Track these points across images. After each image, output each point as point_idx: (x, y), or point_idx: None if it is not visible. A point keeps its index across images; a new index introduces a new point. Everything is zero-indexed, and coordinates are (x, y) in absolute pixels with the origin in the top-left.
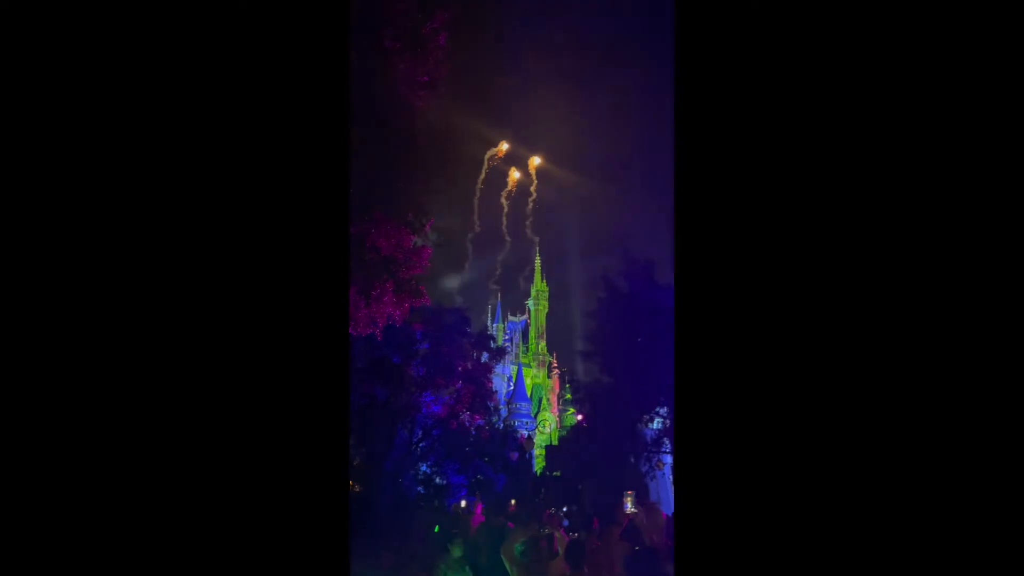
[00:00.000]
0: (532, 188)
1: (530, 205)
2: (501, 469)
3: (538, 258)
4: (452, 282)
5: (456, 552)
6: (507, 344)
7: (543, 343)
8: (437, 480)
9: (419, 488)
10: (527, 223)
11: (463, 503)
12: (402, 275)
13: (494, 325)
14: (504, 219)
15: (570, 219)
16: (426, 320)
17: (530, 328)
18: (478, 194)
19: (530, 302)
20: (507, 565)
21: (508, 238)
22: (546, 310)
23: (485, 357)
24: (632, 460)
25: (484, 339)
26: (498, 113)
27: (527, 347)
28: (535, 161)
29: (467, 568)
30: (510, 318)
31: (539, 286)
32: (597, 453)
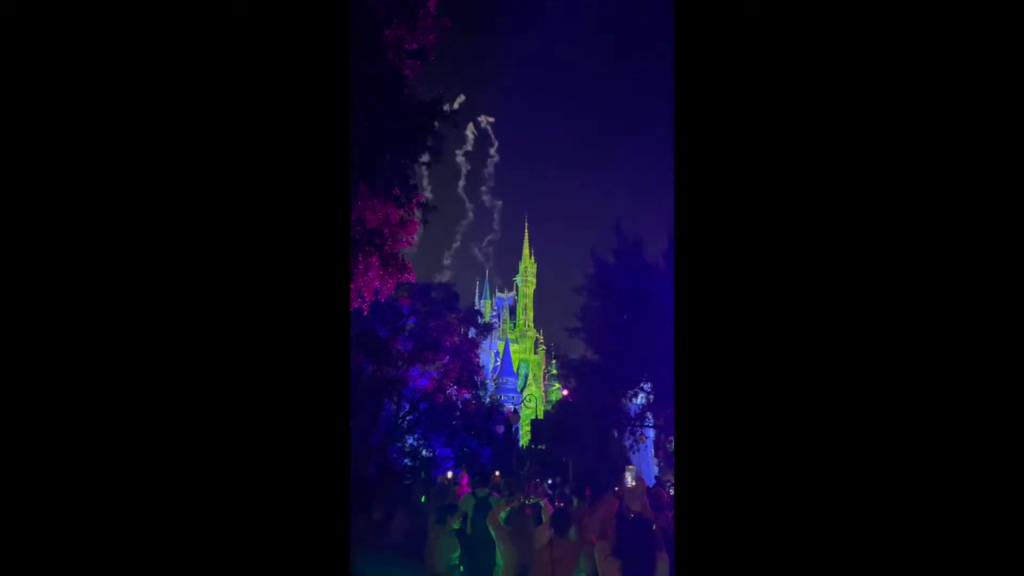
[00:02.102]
0: (493, 150)
1: (489, 168)
2: (487, 442)
3: (527, 234)
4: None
5: (456, 525)
6: (494, 320)
7: (530, 319)
8: (424, 452)
9: (406, 460)
10: (483, 189)
11: (449, 474)
12: (388, 249)
13: (481, 301)
14: (463, 181)
15: (547, 186)
16: (413, 295)
17: (517, 304)
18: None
19: (518, 279)
20: (493, 533)
21: (469, 204)
22: (534, 287)
23: (472, 333)
24: (616, 434)
25: (471, 315)
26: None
27: (514, 323)
28: (487, 120)
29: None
30: (497, 294)
31: (527, 263)
32: (581, 427)
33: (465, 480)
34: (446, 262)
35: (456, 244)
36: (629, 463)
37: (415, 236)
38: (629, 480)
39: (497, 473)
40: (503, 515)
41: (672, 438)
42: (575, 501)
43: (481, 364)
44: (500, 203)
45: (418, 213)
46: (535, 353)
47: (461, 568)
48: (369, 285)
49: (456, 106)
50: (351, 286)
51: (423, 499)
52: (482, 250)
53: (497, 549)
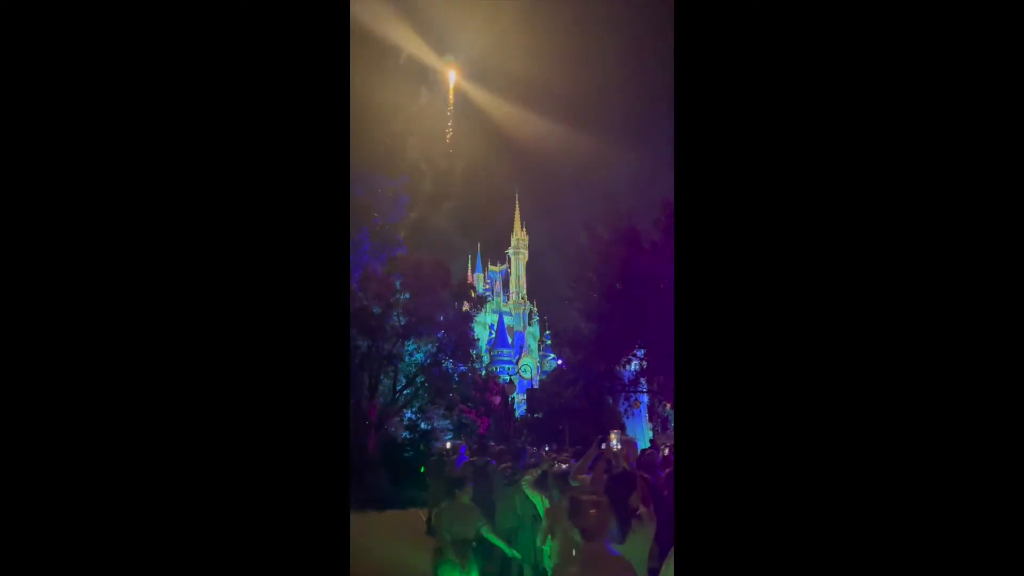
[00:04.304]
0: (449, 111)
1: (447, 132)
2: (484, 413)
3: (517, 207)
4: None
5: (464, 499)
6: (487, 293)
7: (523, 291)
8: (422, 425)
9: (404, 433)
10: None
11: (448, 445)
12: (379, 224)
13: (474, 275)
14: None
15: (522, 147)
16: (405, 270)
17: (511, 277)
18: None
19: (510, 251)
20: (529, 493)
21: (424, 167)
22: (526, 259)
23: (466, 306)
24: (610, 400)
25: (464, 288)
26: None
27: (508, 296)
28: (451, 75)
29: (480, 519)
30: (490, 268)
31: (519, 236)
32: (576, 395)
33: (463, 450)
34: (401, 233)
35: (413, 214)
36: (623, 428)
37: (405, 209)
38: (616, 443)
39: (492, 443)
40: (530, 479)
41: (667, 402)
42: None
43: (476, 337)
44: (462, 166)
45: (406, 187)
46: (529, 324)
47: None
48: (359, 261)
49: (402, 60)
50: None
51: (422, 469)
52: (443, 218)
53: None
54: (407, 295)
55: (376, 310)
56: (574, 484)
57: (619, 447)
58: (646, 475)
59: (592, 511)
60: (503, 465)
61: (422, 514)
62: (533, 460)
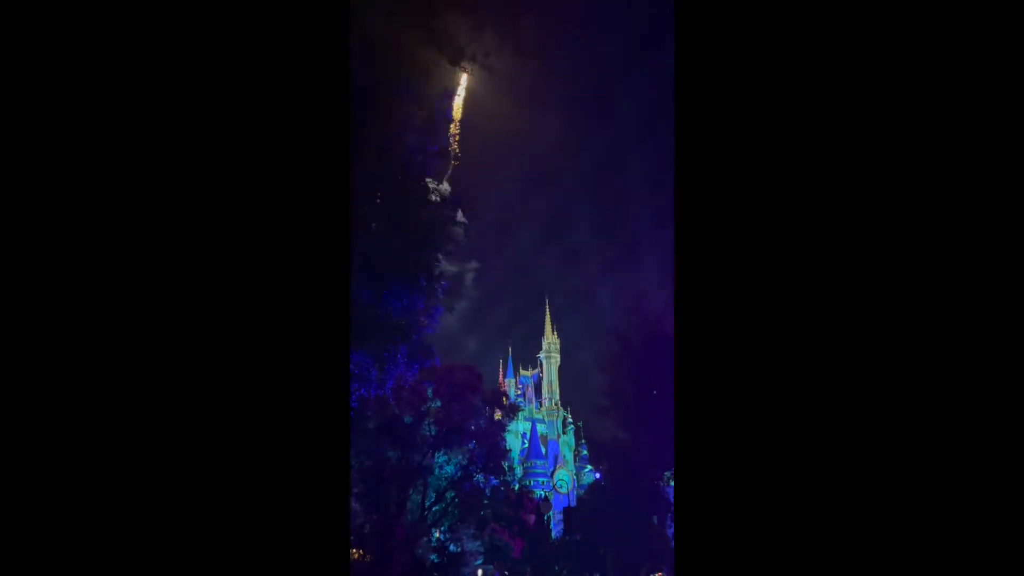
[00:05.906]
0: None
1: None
2: (518, 533)
3: (548, 310)
4: None
5: None
6: (520, 400)
7: (556, 397)
8: (451, 547)
9: (432, 556)
10: (439, 255)
11: (479, 573)
12: (415, 337)
13: (506, 380)
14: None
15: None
16: (437, 378)
17: (543, 383)
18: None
19: (542, 355)
20: None
21: (441, 270)
22: (558, 363)
23: (498, 414)
24: (655, 521)
25: (496, 396)
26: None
27: (540, 402)
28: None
29: None
30: (522, 373)
31: (550, 339)
32: (617, 514)
33: None
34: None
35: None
36: (671, 554)
37: (439, 320)
38: None
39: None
40: None
41: None
42: None
43: (508, 447)
44: (476, 265)
45: (443, 299)
46: (563, 433)
47: None
48: (393, 372)
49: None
50: (377, 375)
51: None
52: (456, 320)
53: None
54: (438, 403)
55: (407, 419)
56: None
57: None
58: None
59: None
60: None
61: None
62: None
